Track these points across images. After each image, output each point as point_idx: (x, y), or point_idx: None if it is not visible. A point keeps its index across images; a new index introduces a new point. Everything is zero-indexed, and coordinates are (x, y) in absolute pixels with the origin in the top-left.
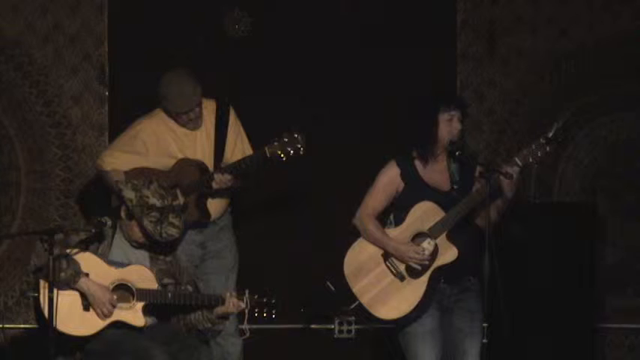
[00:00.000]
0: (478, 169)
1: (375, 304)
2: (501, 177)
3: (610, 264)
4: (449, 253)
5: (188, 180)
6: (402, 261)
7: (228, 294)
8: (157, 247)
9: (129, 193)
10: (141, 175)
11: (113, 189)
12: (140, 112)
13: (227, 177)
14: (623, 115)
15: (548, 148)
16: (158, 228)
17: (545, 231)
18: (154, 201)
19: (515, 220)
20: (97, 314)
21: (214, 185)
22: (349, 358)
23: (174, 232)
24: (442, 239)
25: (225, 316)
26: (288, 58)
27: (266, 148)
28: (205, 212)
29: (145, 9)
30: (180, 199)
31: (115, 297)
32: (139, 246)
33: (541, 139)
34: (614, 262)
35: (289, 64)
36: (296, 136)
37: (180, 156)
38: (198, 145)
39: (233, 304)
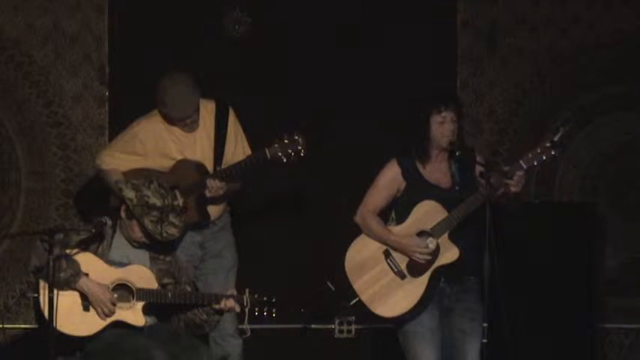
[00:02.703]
0: (478, 169)
1: (374, 301)
2: (503, 177)
3: (610, 264)
4: (450, 253)
5: (187, 181)
6: (404, 254)
7: (227, 294)
8: (156, 247)
9: (129, 193)
10: (140, 175)
11: (112, 189)
12: (140, 112)
13: (218, 184)
14: (623, 115)
15: (553, 152)
16: (159, 227)
17: (545, 231)
18: (155, 200)
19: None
20: (98, 314)
21: (207, 193)
22: (349, 358)
23: (174, 231)
24: (444, 239)
25: (219, 312)
26: (287, 59)
27: (266, 150)
28: (205, 213)
29: (145, 9)
30: (180, 200)
31: (115, 296)
32: (139, 246)
33: (547, 143)
34: (614, 262)
35: (289, 65)
36: (296, 137)
37: (179, 157)
38: (198, 146)
39: (232, 303)
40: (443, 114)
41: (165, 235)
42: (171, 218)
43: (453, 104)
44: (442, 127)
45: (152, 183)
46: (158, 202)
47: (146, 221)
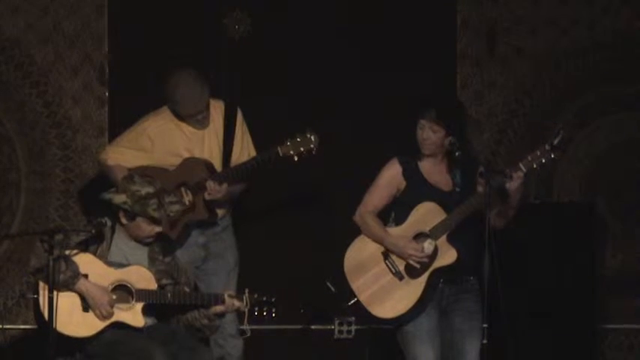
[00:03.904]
0: (479, 169)
1: (372, 302)
2: (502, 178)
3: (610, 264)
4: (448, 255)
5: (195, 179)
6: (400, 257)
7: (227, 294)
8: (156, 247)
9: (120, 198)
10: (143, 174)
11: (117, 185)
12: (140, 112)
13: (217, 187)
14: (623, 115)
15: (552, 155)
16: (163, 211)
17: (545, 231)
18: (146, 189)
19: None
20: (97, 316)
21: (206, 196)
22: (349, 358)
23: (177, 207)
24: (442, 241)
25: (221, 315)
26: (287, 59)
27: (278, 148)
28: (213, 211)
29: (145, 9)
30: (186, 199)
31: (114, 298)
32: (152, 241)
33: (546, 146)
34: (614, 263)
35: (289, 65)
36: (309, 135)
37: (186, 155)
38: (206, 144)
39: (232, 304)
40: (421, 122)
41: (171, 214)
42: (167, 198)
43: (432, 115)
44: (420, 133)
45: (133, 177)
46: (150, 189)
47: (150, 212)
